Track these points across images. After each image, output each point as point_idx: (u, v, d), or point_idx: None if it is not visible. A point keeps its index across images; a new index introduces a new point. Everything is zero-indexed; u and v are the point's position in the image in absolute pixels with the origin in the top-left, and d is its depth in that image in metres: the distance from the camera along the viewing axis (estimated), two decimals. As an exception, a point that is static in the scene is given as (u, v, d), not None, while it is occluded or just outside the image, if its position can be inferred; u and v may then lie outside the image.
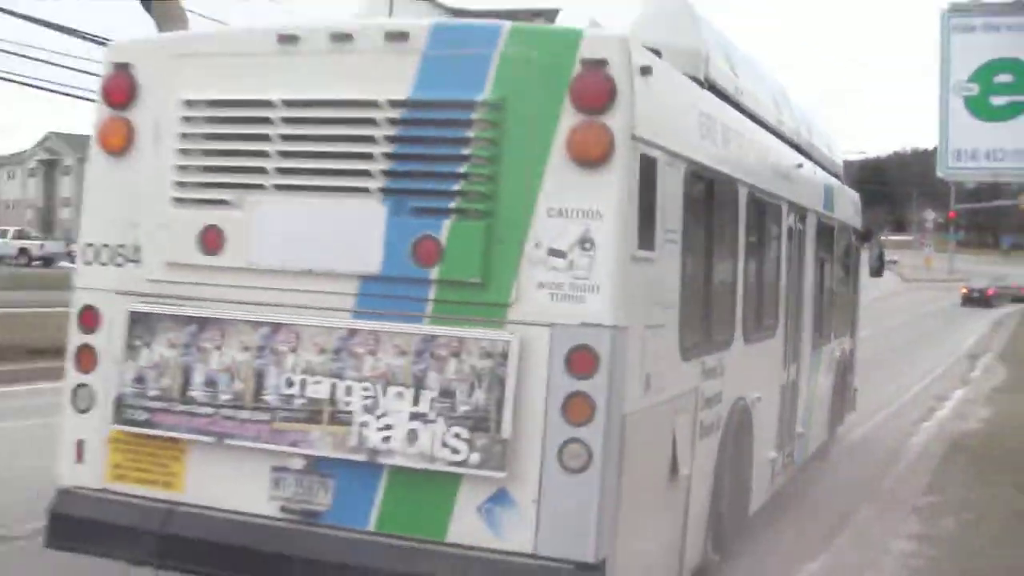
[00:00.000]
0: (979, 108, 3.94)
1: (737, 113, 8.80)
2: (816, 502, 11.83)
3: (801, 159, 10.92)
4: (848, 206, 14.69)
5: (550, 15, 7.42)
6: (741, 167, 8.59)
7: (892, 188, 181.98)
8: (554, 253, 5.75)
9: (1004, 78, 3.91)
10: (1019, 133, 3.99)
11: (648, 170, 6.10)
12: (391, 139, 6.08)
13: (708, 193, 7.68)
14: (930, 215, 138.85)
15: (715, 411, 7.97)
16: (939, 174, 3.92)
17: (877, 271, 17.79)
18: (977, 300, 70.45)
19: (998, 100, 3.92)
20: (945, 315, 58.07)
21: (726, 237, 8.36)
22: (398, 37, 6.18)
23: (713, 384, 7.84)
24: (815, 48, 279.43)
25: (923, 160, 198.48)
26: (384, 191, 6.09)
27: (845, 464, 14.18)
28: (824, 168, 12.58)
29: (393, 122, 6.07)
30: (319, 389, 6.11)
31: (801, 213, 10.93)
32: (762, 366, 9.78)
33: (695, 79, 7.72)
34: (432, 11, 7.50)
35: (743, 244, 8.75)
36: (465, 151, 5.93)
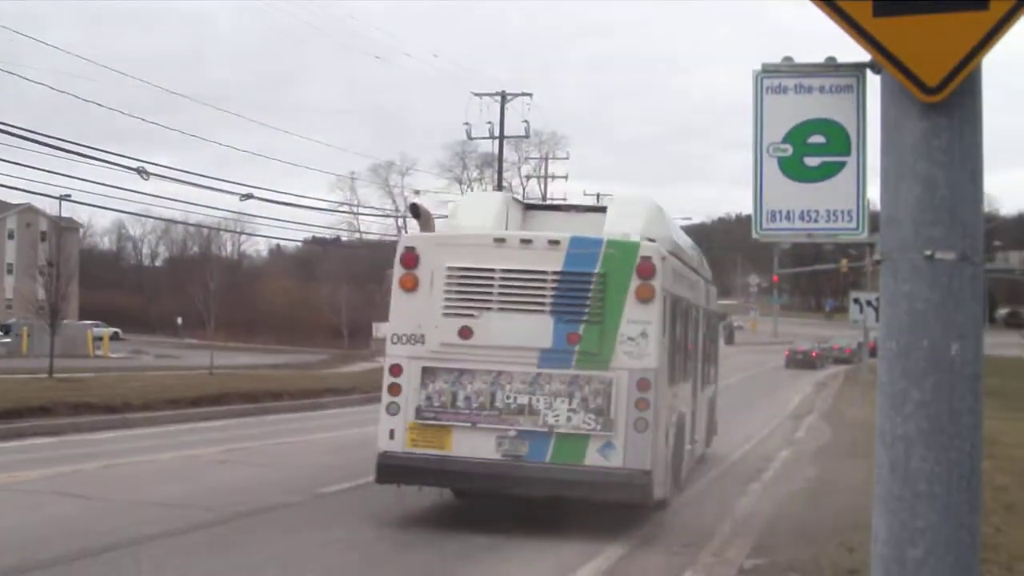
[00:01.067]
0: (793, 169, 3.91)
1: (681, 263, 16.71)
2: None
3: (698, 278, 19.53)
4: (713, 299, 23.29)
5: (602, 209, 15.86)
6: (684, 291, 16.64)
7: (717, 253, 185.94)
8: (631, 340, 13.26)
9: (817, 139, 3.89)
10: (832, 194, 3.98)
11: (664, 302, 13.83)
12: (553, 288, 13.47)
13: (675, 306, 15.29)
14: (754, 279, 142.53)
15: (678, 413, 15.91)
16: (754, 235, 3.89)
17: (729, 339, 28.35)
18: (801, 362, 72.25)
19: (812, 161, 3.91)
20: (770, 377, 59.35)
21: (678, 327, 15.90)
22: (555, 243, 13.62)
23: (676, 400, 15.69)
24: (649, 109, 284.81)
25: (746, 226, 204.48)
26: (551, 311, 13.46)
27: (677, 531, 14.11)
28: (704, 279, 20.95)
29: (553, 281, 13.49)
30: (522, 399, 13.35)
31: (699, 310, 19.30)
32: (686, 396, 17.45)
33: (671, 251, 15.21)
34: (516, 205, 16.00)
35: (682, 329, 16.46)
36: (588, 294, 13.41)
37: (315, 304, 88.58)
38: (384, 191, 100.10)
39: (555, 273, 13.40)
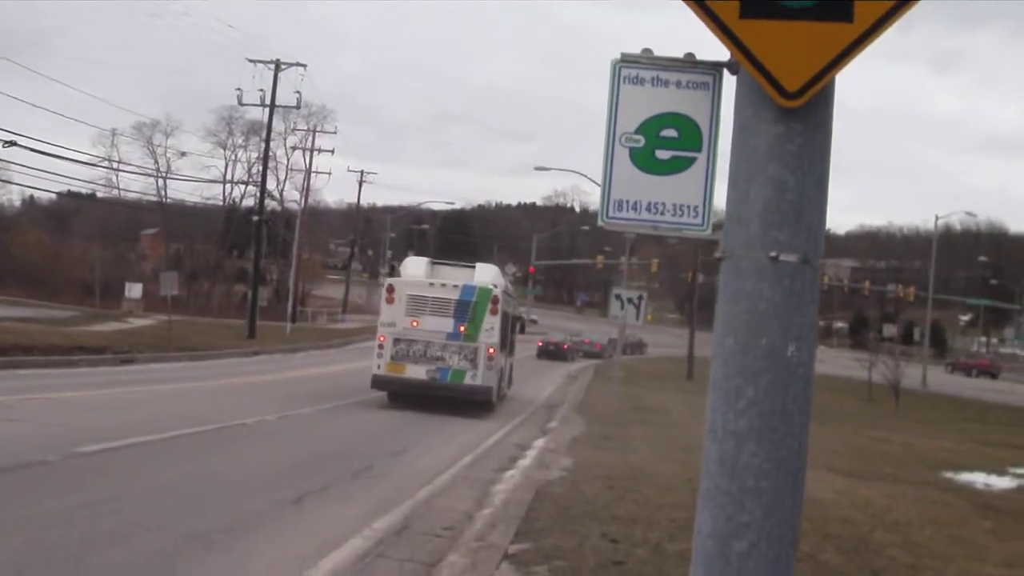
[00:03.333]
0: (644, 160, 3.91)
1: (507, 295, 33.15)
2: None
3: (513, 300, 38.51)
4: (517, 308, 41.46)
5: (473, 267, 31.78)
6: (508, 308, 33.11)
7: (475, 240, 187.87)
8: (487, 330, 29.27)
9: (670, 132, 3.90)
10: (680, 188, 3.99)
11: (501, 314, 29.99)
12: (454, 306, 29.27)
13: (504, 316, 31.11)
14: (511, 268, 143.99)
15: (508, 361, 35.47)
16: (600, 223, 3.88)
17: (522, 330, 42.10)
18: (553, 353, 73.38)
19: (663, 154, 3.92)
20: (523, 367, 60.05)
21: (505, 325, 32.11)
22: (456, 286, 29.45)
23: (501, 360, 31.59)
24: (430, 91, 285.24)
25: (504, 214, 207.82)
26: (452, 316, 29.23)
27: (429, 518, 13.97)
28: (514, 300, 39.84)
29: (454, 302, 29.26)
30: (437, 354, 29.05)
31: (511, 316, 35.31)
32: (504, 359, 33.13)
33: (503, 291, 31.41)
34: (430, 263, 31.55)
35: (505, 325, 32.20)
36: (469, 309, 29.23)
37: (67, 260, 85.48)
38: (147, 150, 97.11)
39: (455, 299, 29.39)
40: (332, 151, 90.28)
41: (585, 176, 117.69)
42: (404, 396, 29.36)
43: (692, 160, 4.28)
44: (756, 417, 3.93)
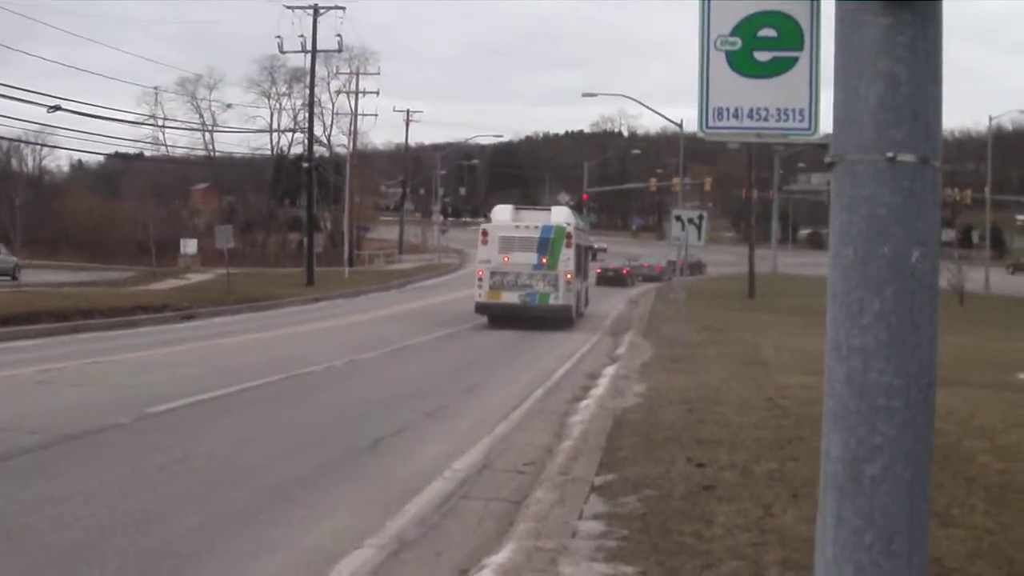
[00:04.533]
0: (742, 64, 3.63)
1: (579, 231, 40.27)
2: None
3: (585, 235, 48.21)
4: (589, 240, 55.87)
5: (549, 210, 40.89)
6: (581, 241, 40.46)
7: (525, 172, 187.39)
8: (564, 260, 36.18)
9: (768, 32, 3.62)
10: (783, 91, 3.71)
11: (576, 247, 37.21)
12: (536, 243, 36.24)
13: (578, 248, 38.01)
14: (564, 198, 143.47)
15: (584, 285, 42.25)
16: (699, 134, 3.61)
17: (594, 258, 65.83)
18: (612, 279, 73.12)
19: (762, 56, 3.63)
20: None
21: (580, 256, 39.17)
22: (536, 227, 36.75)
23: (579, 284, 39.11)
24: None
25: (553, 144, 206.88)
26: (535, 251, 36.18)
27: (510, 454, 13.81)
28: (586, 235, 49.60)
29: (536, 239, 36.32)
30: (525, 281, 36.10)
31: (585, 248, 44.55)
32: (582, 284, 40.98)
33: (576, 227, 38.97)
34: (514, 210, 39.42)
35: (580, 256, 39.40)
36: (549, 245, 36.16)
37: (120, 221, 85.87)
38: (192, 105, 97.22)
39: (537, 238, 36.07)
40: (377, 92, 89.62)
41: (633, 99, 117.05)
42: (502, 317, 36.54)
43: (794, 60, 3.98)
44: (883, 331, 3.67)
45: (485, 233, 36.82)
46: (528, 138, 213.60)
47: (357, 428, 15.31)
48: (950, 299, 57.29)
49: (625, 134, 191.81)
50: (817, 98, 3.96)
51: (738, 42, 3.95)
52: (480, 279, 36.44)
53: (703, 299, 54.27)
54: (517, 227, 36.64)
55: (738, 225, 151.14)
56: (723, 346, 28.70)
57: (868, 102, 3.65)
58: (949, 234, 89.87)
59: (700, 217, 30.09)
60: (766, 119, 3.98)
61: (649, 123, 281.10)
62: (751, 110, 3.98)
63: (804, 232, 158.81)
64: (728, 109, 3.98)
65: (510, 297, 35.92)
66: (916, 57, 3.64)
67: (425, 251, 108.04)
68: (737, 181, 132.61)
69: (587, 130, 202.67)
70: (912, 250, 3.67)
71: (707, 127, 3.99)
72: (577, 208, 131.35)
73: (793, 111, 3.99)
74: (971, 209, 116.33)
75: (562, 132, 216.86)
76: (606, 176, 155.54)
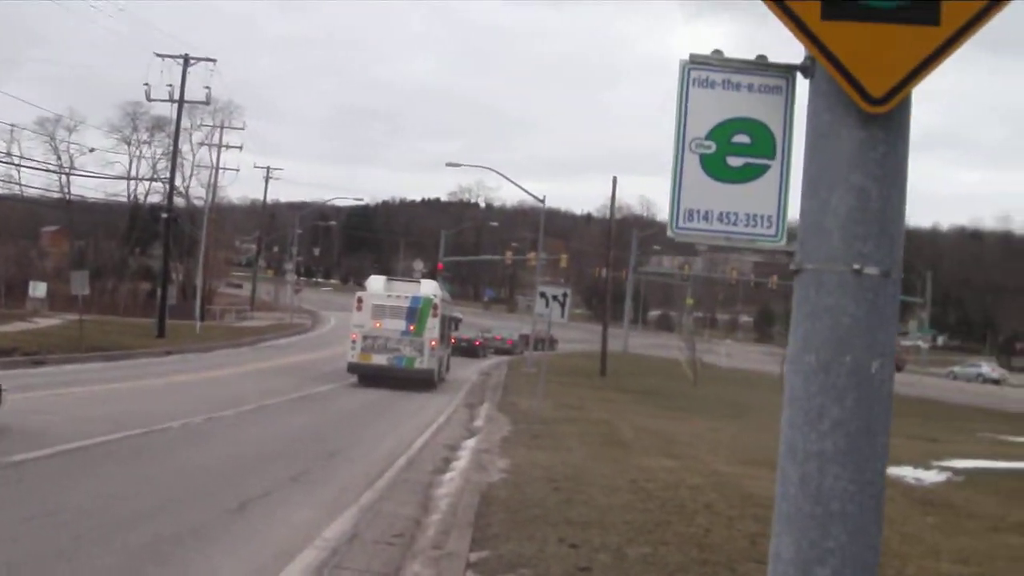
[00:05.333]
0: (715, 168, 3.70)
1: (444, 302, 42.94)
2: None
3: (449, 305, 48.94)
4: (451, 310, 50.73)
5: (418, 282, 44.12)
6: (446, 311, 43.59)
7: (380, 236, 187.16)
8: (430, 328, 39.58)
9: (742, 138, 3.69)
10: (753, 197, 3.78)
11: (441, 317, 40.98)
12: (406, 311, 39.43)
13: (443, 318, 42.11)
14: (419, 265, 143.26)
15: (446, 352, 46.61)
16: (669, 234, 3.65)
17: (456, 327, 56.50)
18: (465, 349, 73.06)
19: (735, 161, 3.70)
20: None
21: (444, 324, 42.94)
22: (407, 296, 40.00)
23: (441, 350, 42.58)
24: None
25: (409, 211, 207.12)
26: (404, 318, 39.29)
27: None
28: (450, 304, 49.97)
29: (406, 309, 39.50)
30: (394, 346, 39.12)
31: (448, 318, 46.14)
32: (444, 350, 44.56)
33: (442, 299, 42.09)
34: (387, 280, 43.04)
35: (444, 325, 42.89)
36: (417, 313, 39.51)
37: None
38: (50, 146, 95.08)
39: (406, 307, 39.40)
40: (240, 147, 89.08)
41: (495, 171, 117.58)
42: (371, 377, 39.29)
43: (766, 168, 4.08)
44: (842, 438, 3.76)
45: (360, 300, 40.08)
46: (385, 203, 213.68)
47: (224, 488, 15.04)
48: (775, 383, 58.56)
49: (482, 205, 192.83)
50: (785, 206, 4.07)
51: (713, 146, 4.04)
52: (354, 342, 39.43)
53: (556, 375, 54.50)
54: (389, 296, 40.06)
55: (589, 302, 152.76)
56: (581, 424, 28.88)
57: (839, 213, 3.77)
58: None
59: (564, 295, 30.17)
60: (735, 223, 4.07)
61: (506, 195, 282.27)
62: (721, 214, 4.06)
63: (654, 313, 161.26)
64: (699, 211, 4.06)
65: (380, 359, 39.15)
66: (886, 173, 3.78)
67: (277, 309, 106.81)
68: (590, 259, 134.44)
69: (444, 198, 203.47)
70: (872, 360, 3.78)
71: (677, 227, 4.07)
72: (431, 277, 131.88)
73: (761, 217, 4.09)
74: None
75: (419, 199, 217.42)
76: (461, 246, 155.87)
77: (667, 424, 32.38)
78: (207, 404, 26.20)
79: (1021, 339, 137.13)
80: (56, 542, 10.80)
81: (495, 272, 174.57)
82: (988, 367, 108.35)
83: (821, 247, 3.79)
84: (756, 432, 31.45)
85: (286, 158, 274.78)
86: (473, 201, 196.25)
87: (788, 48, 3.99)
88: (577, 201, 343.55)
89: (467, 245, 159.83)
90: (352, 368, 39.73)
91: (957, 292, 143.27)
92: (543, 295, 30.27)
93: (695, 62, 4.05)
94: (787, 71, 4.06)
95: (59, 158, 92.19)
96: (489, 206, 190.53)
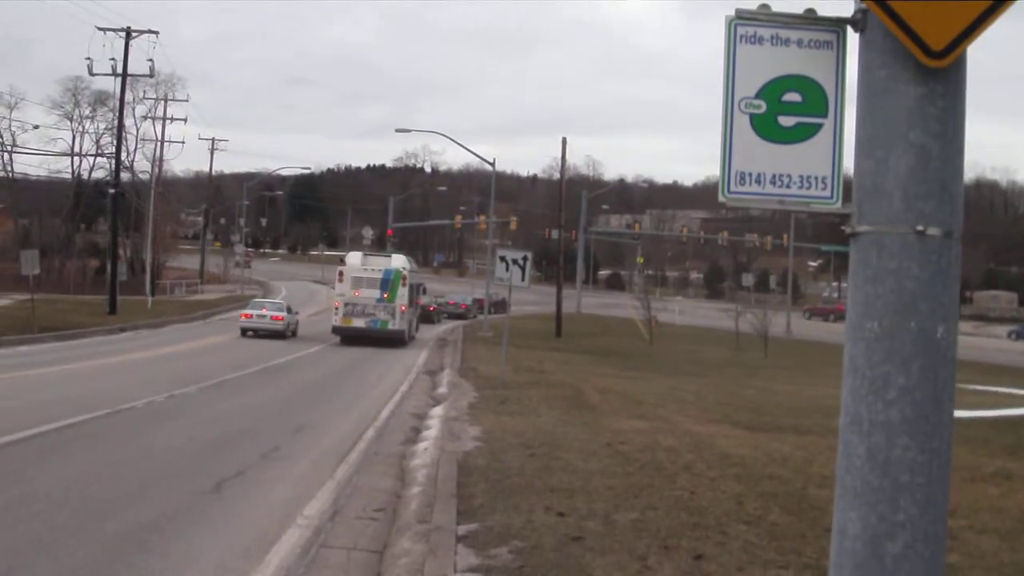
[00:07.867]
0: (766, 128, 3.53)
1: (411, 271, 52.15)
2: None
3: (417, 273, 58.61)
4: (421, 279, 62.62)
5: (390, 256, 53.40)
6: (413, 280, 52.58)
7: (326, 204, 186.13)
8: (400, 295, 48.16)
9: (793, 97, 3.52)
10: (806, 158, 3.61)
11: (409, 285, 49.75)
12: (379, 282, 48.15)
13: (411, 286, 50.93)
14: (368, 232, 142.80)
15: (415, 315, 55.26)
16: (721, 199, 3.48)
17: (424, 292, 63.62)
18: (420, 316, 72.85)
19: (786, 120, 3.53)
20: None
21: (412, 291, 51.89)
22: (380, 270, 48.72)
23: (411, 314, 51.50)
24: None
25: (355, 178, 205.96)
26: (379, 287, 48.12)
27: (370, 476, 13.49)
28: (417, 273, 59.03)
29: (380, 280, 48.22)
30: (371, 311, 47.89)
31: (416, 285, 55.51)
32: (413, 313, 52.93)
33: (410, 270, 51.70)
34: (364, 255, 53.80)
35: (412, 291, 51.85)
36: (389, 283, 48.17)
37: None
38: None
39: (380, 278, 47.94)
40: (185, 119, 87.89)
41: (444, 135, 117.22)
42: (352, 337, 47.34)
43: (818, 127, 3.89)
44: (908, 407, 3.61)
45: (341, 273, 48.82)
46: (331, 170, 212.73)
47: (195, 469, 14.76)
48: (752, 343, 58.82)
49: (428, 170, 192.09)
50: (840, 166, 3.89)
51: (763, 105, 3.85)
52: (336, 308, 48.67)
53: (512, 337, 54.39)
54: (365, 269, 48.81)
55: (539, 263, 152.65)
56: (544, 388, 28.71)
57: (899, 173, 3.60)
58: (749, 279, 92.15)
59: (524, 258, 29.73)
60: (788, 186, 3.88)
61: (452, 159, 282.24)
62: (774, 176, 3.87)
63: (604, 273, 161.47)
64: (751, 174, 3.87)
65: (359, 323, 47.87)
66: (946, 130, 3.61)
67: (227, 282, 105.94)
68: (539, 220, 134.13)
69: (390, 164, 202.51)
70: (937, 325, 3.62)
71: (729, 191, 3.87)
72: (381, 243, 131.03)
73: (816, 179, 3.90)
74: (765, 254, 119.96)
75: (364, 166, 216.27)
76: (409, 211, 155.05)
77: (629, 384, 32.30)
78: (168, 381, 25.88)
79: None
80: (32, 532, 10.52)
81: (444, 237, 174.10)
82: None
83: (880, 208, 3.62)
84: (717, 391, 31.51)
85: (231, 129, 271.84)
86: (419, 166, 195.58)
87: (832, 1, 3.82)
88: (521, 164, 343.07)
89: (415, 210, 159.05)
90: (336, 330, 48.43)
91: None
92: (503, 259, 29.83)
93: (741, 17, 3.85)
94: (837, 24, 3.86)
95: (0, 136, 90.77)
96: (435, 171, 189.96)
